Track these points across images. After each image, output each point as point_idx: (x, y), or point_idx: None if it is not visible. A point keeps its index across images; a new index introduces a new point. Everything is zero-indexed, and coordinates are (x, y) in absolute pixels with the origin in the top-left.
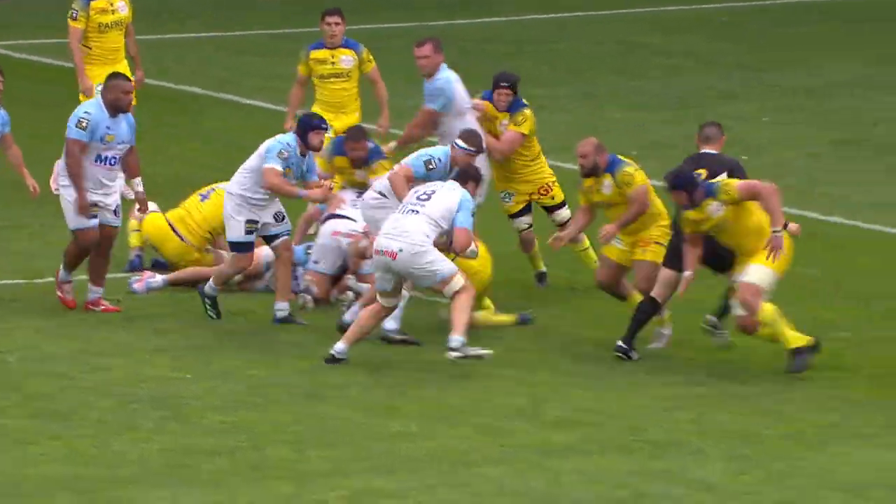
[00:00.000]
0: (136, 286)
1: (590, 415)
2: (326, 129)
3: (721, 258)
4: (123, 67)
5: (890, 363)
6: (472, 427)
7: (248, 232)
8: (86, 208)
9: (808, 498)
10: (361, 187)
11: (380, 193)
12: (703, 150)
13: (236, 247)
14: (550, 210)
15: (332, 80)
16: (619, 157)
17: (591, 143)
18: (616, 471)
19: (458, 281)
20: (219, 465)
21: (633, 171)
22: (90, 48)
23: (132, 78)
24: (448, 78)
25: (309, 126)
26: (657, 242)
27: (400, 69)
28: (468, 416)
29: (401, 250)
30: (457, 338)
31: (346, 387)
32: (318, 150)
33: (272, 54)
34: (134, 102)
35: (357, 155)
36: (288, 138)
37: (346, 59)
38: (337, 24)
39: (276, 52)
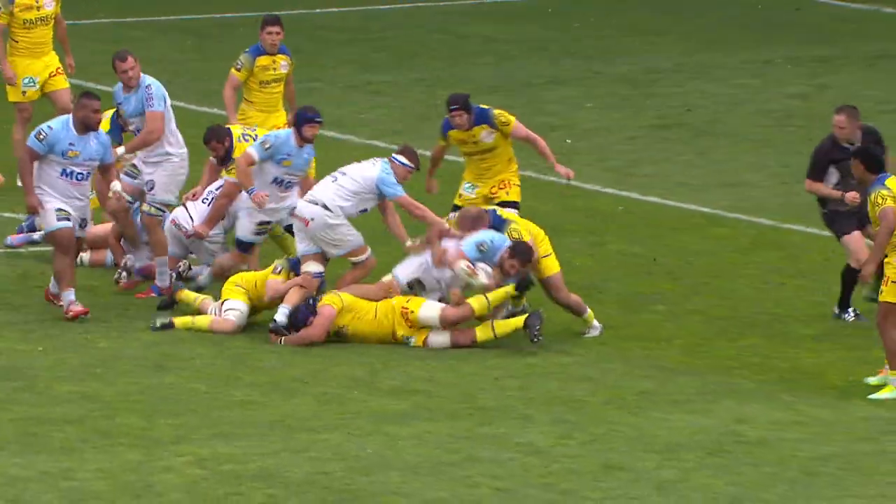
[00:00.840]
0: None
1: (423, 384)
2: (321, 123)
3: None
4: (51, 59)
5: (701, 334)
6: (313, 396)
7: (258, 233)
8: (34, 208)
9: (627, 460)
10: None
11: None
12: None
13: (242, 245)
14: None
15: (272, 84)
16: None
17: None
18: (447, 436)
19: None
20: (69, 433)
21: None
22: (17, 41)
23: (67, 69)
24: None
25: (304, 119)
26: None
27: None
28: (309, 386)
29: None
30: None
31: (190, 358)
32: (311, 141)
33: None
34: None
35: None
36: (282, 132)
37: (284, 64)
38: (278, 33)
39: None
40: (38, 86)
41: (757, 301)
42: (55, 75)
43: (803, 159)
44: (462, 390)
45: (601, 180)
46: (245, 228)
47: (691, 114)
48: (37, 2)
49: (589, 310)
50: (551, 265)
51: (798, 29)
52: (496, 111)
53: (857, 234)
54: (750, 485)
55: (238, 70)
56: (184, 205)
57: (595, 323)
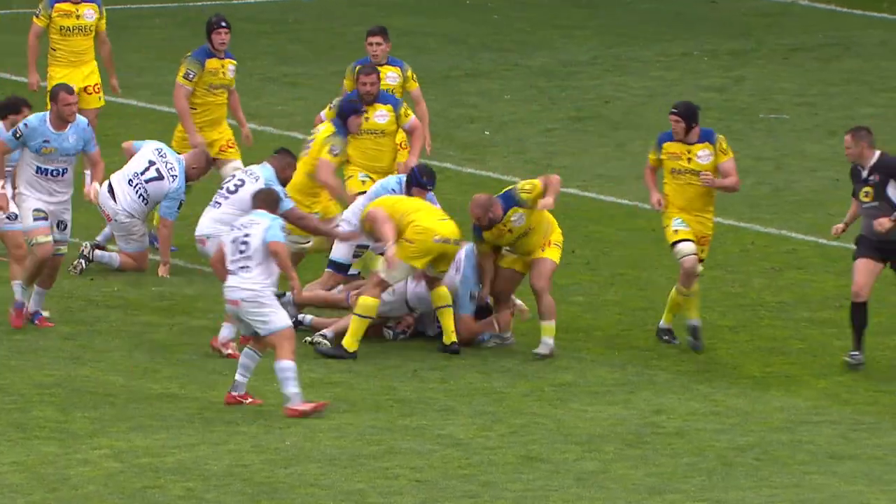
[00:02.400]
0: None
1: (343, 375)
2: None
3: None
4: (90, 70)
5: (618, 325)
6: None
7: (356, 255)
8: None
9: (547, 451)
10: None
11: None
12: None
13: (337, 266)
14: None
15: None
16: None
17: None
18: (367, 427)
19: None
20: None
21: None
22: (55, 49)
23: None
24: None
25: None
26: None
27: (161, 47)
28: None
29: None
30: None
31: (108, 351)
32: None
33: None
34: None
35: None
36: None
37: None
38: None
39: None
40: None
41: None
42: (91, 93)
43: None
44: (382, 382)
45: (519, 172)
46: (342, 251)
47: (608, 106)
48: (77, 10)
49: (553, 323)
50: (553, 253)
51: (713, 22)
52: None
53: (865, 261)
54: (668, 476)
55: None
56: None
57: (549, 340)
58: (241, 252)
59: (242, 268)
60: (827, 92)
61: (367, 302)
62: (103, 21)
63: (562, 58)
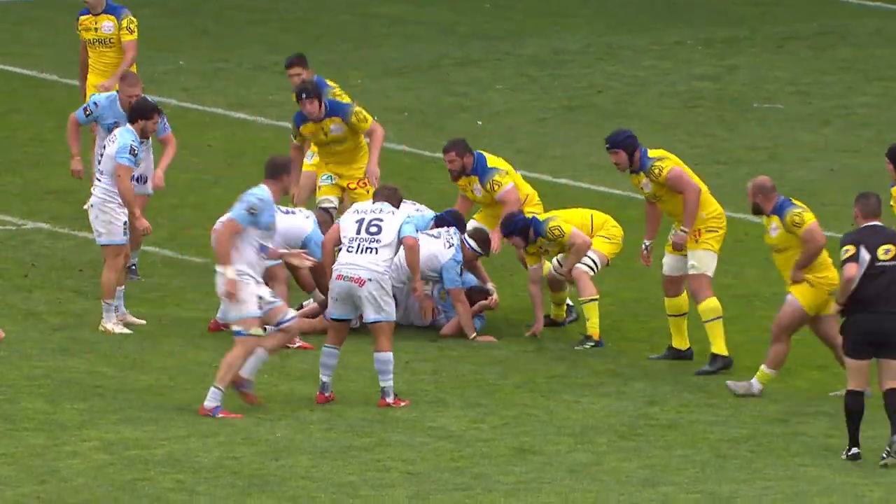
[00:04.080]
0: None
1: (336, 369)
2: None
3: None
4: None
5: (611, 316)
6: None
7: None
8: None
9: (539, 443)
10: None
11: None
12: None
13: None
14: None
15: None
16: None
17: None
18: (358, 419)
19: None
20: None
21: (801, 213)
22: (90, 58)
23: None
24: None
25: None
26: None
27: (150, 36)
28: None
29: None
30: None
31: (96, 343)
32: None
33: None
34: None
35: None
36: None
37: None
38: (298, 74)
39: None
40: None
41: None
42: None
43: (712, 140)
44: (373, 374)
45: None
46: None
47: (600, 95)
48: (95, 23)
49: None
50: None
51: (707, 11)
52: (356, 108)
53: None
54: (661, 468)
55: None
56: None
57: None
58: (370, 233)
59: (368, 249)
60: (821, 81)
61: (712, 304)
62: (119, 31)
63: (553, 46)
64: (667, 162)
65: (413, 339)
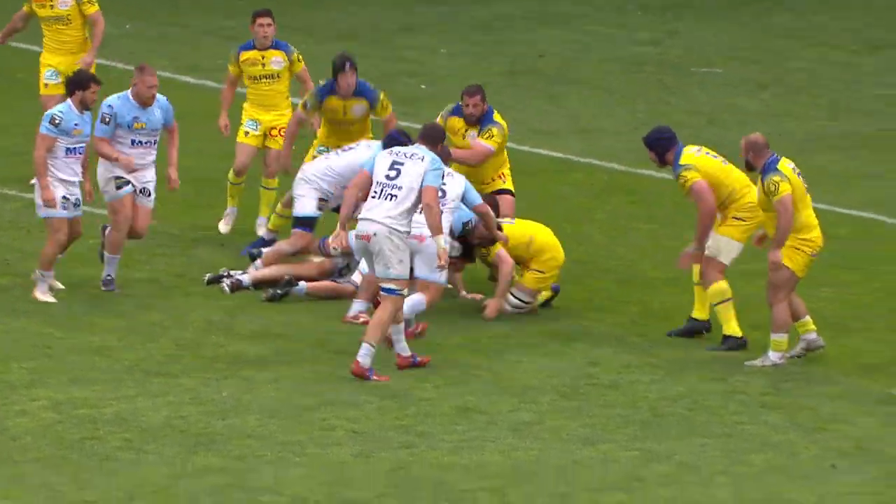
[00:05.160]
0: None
1: (282, 328)
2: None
3: None
4: (75, 59)
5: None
6: (171, 340)
7: (320, 208)
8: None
9: (482, 402)
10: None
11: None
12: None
13: (303, 222)
14: None
15: (263, 80)
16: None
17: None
18: (305, 379)
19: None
20: None
21: (779, 182)
22: (44, 36)
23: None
24: None
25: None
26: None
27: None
28: (167, 331)
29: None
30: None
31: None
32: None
33: None
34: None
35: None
36: None
37: (277, 60)
38: (269, 24)
39: None
40: (59, 79)
41: (609, 246)
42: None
43: (655, 105)
44: (320, 335)
45: None
46: (306, 206)
47: (543, 60)
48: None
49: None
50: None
51: None
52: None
53: None
54: (602, 426)
55: (231, 65)
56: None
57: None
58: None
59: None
60: (759, 46)
61: (718, 287)
62: (80, 6)
63: (496, 11)
64: (693, 174)
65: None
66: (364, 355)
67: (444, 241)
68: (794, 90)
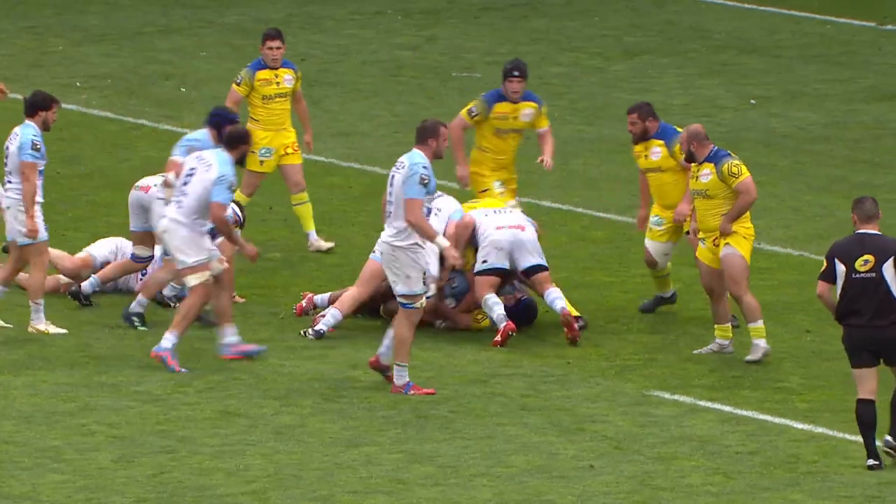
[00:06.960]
0: None
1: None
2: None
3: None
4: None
5: (317, 280)
6: None
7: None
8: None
9: (245, 406)
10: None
11: None
12: (863, 230)
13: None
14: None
15: (276, 99)
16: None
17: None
18: (63, 384)
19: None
20: None
21: (740, 165)
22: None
23: None
24: None
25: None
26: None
27: None
28: None
29: None
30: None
31: None
32: None
33: None
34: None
35: None
36: None
37: (288, 78)
38: (279, 47)
39: None
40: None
41: (369, 248)
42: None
43: (413, 108)
44: (78, 340)
45: None
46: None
47: (303, 64)
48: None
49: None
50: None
51: None
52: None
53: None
54: (365, 428)
55: (238, 84)
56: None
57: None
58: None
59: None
60: (516, 51)
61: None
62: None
63: (255, 15)
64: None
65: (113, 305)
66: (398, 376)
67: (444, 241)
68: (550, 95)
